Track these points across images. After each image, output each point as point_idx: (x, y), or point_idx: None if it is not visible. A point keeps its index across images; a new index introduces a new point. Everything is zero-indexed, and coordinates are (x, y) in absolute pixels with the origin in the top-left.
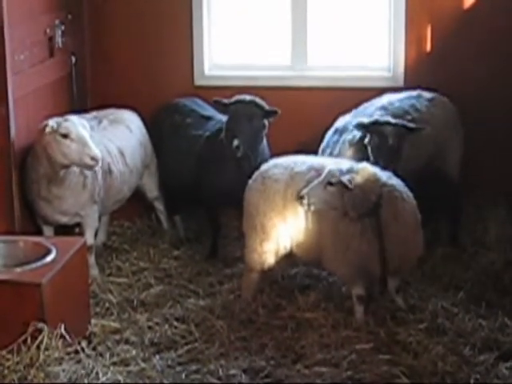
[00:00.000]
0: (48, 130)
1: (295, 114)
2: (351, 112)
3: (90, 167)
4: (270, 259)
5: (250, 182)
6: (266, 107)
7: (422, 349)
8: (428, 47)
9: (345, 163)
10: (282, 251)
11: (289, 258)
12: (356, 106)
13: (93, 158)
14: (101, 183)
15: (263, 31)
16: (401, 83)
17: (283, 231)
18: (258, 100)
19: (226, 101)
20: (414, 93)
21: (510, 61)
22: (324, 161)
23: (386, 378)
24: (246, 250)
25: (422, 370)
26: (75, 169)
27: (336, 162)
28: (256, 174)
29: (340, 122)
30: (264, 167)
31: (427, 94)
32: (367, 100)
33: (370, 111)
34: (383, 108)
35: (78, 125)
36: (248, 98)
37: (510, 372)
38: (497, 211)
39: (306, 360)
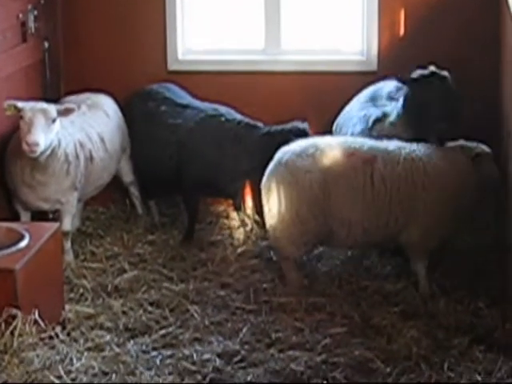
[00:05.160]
0: (5, 106)
1: (269, 99)
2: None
3: (26, 152)
4: (308, 248)
5: (272, 173)
6: None
7: (396, 332)
8: (401, 31)
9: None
10: (321, 238)
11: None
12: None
13: (28, 144)
14: (83, 170)
15: (236, 15)
16: (374, 67)
17: (325, 220)
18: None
19: None
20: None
21: (484, 45)
22: (349, 139)
23: (360, 362)
24: (281, 242)
25: (396, 353)
26: (59, 156)
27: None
28: (275, 164)
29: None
30: (283, 157)
31: None
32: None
33: (381, 104)
34: (392, 99)
35: (37, 110)
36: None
37: (483, 355)
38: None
39: (281, 344)
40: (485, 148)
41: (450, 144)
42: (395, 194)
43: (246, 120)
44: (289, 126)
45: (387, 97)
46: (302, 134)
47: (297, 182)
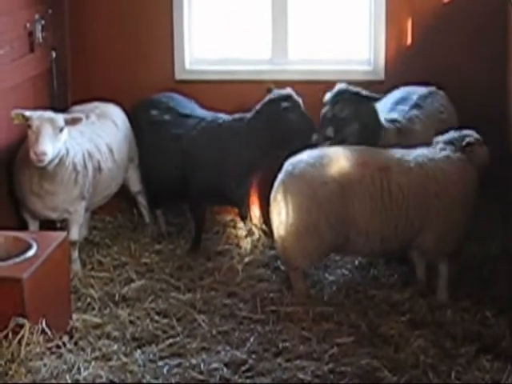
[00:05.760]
0: (13, 115)
1: None
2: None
3: (34, 162)
4: (321, 258)
5: (283, 183)
6: None
7: (403, 341)
8: (408, 41)
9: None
10: (336, 248)
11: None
12: None
13: (35, 153)
14: (91, 180)
15: (244, 25)
16: (381, 77)
17: (342, 229)
18: None
19: None
20: (431, 88)
21: (490, 53)
22: (358, 148)
23: (368, 371)
24: (293, 253)
25: (403, 362)
26: (67, 165)
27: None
28: (286, 175)
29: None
30: (294, 168)
31: (440, 91)
32: None
33: (403, 109)
34: (417, 106)
35: (45, 119)
36: None
37: (491, 364)
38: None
39: (288, 353)
40: (474, 134)
41: (441, 137)
42: (412, 201)
43: (239, 115)
44: (270, 95)
45: (415, 104)
46: (287, 99)
47: (314, 193)
